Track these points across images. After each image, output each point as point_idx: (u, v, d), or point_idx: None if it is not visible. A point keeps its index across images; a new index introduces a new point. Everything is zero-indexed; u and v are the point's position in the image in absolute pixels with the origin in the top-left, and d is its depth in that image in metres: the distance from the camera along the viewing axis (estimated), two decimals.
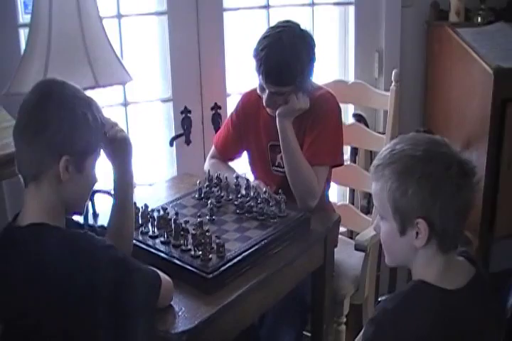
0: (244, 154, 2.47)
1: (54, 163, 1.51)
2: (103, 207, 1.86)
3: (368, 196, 2.91)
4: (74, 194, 1.59)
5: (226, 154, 2.45)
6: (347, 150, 2.87)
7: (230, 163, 2.47)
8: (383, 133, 2.63)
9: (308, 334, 2.36)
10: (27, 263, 1.49)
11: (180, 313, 1.66)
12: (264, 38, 2.14)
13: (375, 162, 1.48)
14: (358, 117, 2.94)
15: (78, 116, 1.53)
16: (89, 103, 1.58)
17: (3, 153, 1.90)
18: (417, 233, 1.42)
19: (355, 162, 2.88)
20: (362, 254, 2.37)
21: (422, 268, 1.47)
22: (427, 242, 1.43)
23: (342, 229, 2.61)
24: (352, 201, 2.98)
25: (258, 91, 2.22)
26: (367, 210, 2.86)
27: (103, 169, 1.73)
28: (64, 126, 1.51)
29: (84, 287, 1.46)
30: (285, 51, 2.10)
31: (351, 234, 2.92)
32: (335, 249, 2.21)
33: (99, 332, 1.51)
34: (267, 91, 2.17)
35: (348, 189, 3.05)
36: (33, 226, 1.51)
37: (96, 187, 1.74)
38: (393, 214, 1.44)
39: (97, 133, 1.59)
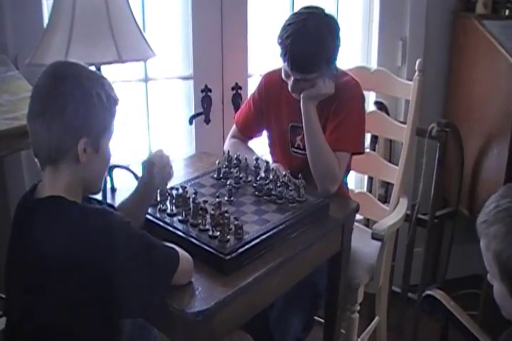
0: (265, 134, 2.45)
1: (72, 146, 1.52)
2: (121, 182, 1.84)
3: (386, 185, 2.88)
4: (92, 173, 1.61)
5: (247, 133, 2.45)
6: (367, 138, 2.84)
7: (250, 143, 2.46)
8: (404, 123, 2.59)
9: (322, 320, 2.36)
10: (43, 233, 1.49)
11: (196, 293, 1.64)
12: (289, 24, 2.11)
13: (481, 217, 1.37)
14: (379, 105, 2.91)
15: (93, 97, 1.53)
16: (102, 83, 1.58)
17: (24, 123, 1.87)
18: None
19: (374, 150, 2.85)
20: (378, 243, 2.34)
21: None
22: None
23: (358, 216, 2.59)
24: (370, 189, 2.96)
25: (283, 77, 2.21)
26: (384, 199, 2.85)
27: (119, 143, 1.73)
28: (81, 109, 1.51)
29: (98, 261, 1.46)
30: (310, 38, 2.08)
31: (367, 222, 2.91)
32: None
33: (109, 306, 1.50)
34: (292, 77, 2.16)
35: (366, 177, 3.02)
36: (52, 198, 1.52)
37: (114, 161, 1.73)
38: (500, 277, 1.34)
39: (110, 110, 1.59)
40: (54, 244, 1.47)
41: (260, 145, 2.52)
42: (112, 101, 1.59)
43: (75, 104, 1.50)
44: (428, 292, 1.94)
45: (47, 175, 1.56)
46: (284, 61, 2.12)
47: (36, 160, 1.57)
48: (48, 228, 1.49)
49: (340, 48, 2.17)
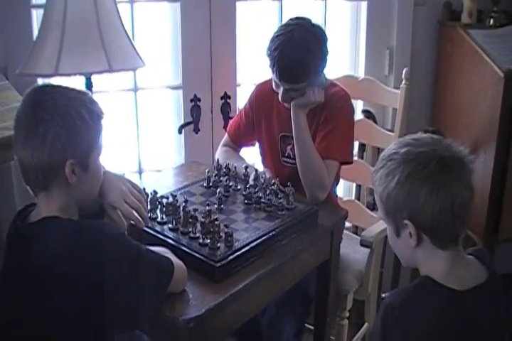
0: (257, 144, 2.47)
1: (60, 170, 1.52)
2: None
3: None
4: (84, 192, 1.60)
5: (238, 142, 2.48)
6: (355, 146, 2.86)
7: (242, 151, 2.49)
8: (391, 131, 2.61)
9: (311, 327, 2.37)
10: (43, 255, 1.47)
11: (187, 300, 1.65)
12: (277, 36, 2.15)
13: (373, 169, 1.53)
14: (367, 113, 2.94)
15: (73, 117, 1.52)
16: (82, 99, 1.56)
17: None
18: (410, 233, 1.45)
19: (362, 158, 2.87)
20: (367, 250, 2.36)
21: (426, 266, 1.49)
22: (419, 241, 1.45)
23: (347, 224, 2.60)
24: (358, 197, 2.98)
25: (273, 87, 2.25)
26: (373, 206, 2.86)
27: (108, 152, 1.73)
28: (62, 133, 1.49)
29: (94, 275, 1.45)
30: (298, 50, 2.11)
31: (356, 230, 2.92)
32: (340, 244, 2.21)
33: (104, 320, 1.48)
34: (282, 87, 2.19)
35: (354, 185, 3.04)
36: (46, 219, 1.52)
37: None
38: (385, 217, 1.50)
39: (95, 126, 1.58)
40: (54, 264, 1.45)
41: (252, 154, 2.54)
42: (96, 116, 1.57)
43: (55, 129, 1.49)
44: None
45: (41, 200, 1.56)
46: (273, 72, 2.16)
47: (28, 187, 1.57)
48: (47, 249, 1.46)
49: (328, 57, 2.20)
